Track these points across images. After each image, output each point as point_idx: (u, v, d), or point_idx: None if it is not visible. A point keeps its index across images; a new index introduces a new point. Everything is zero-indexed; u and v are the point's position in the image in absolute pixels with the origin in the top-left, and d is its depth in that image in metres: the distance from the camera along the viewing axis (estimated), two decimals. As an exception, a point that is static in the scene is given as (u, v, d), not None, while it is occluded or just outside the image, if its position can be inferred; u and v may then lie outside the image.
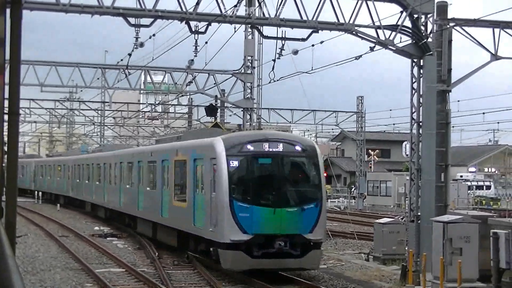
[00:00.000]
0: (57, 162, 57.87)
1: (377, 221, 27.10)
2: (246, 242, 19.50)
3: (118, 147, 48.62)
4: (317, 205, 20.37)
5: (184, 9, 21.21)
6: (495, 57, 23.43)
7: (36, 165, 66.69)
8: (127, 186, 32.64)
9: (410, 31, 21.64)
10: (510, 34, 23.48)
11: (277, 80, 27.29)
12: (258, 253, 19.55)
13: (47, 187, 60.87)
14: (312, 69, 26.53)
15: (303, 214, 20.00)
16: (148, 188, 28.70)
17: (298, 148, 20.69)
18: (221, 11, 21.39)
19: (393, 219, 28.86)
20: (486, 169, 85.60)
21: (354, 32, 21.56)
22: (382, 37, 21.60)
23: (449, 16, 22.36)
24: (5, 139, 9.05)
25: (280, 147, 20.36)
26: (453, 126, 38.10)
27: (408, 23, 21.75)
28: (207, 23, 21.81)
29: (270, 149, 20.25)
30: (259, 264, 19.70)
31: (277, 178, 20.29)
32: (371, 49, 21.81)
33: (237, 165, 20.13)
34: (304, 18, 21.53)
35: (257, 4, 23.04)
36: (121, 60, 35.30)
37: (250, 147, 20.20)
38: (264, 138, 20.55)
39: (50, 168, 60.29)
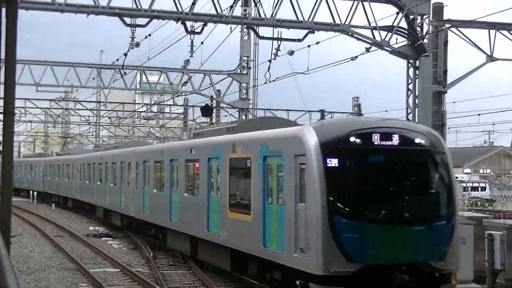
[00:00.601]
0: (68, 161, 51.71)
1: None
2: (353, 275, 13.84)
3: (139, 143, 40.06)
4: (449, 220, 14.79)
5: (180, 9, 21.23)
6: (490, 58, 23.47)
7: (45, 164, 60.89)
8: (154, 190, 26.88)
9: (406, 32, 21.67)
10: (505, 36, 23.52)
11: (273, 81, 27.26)
12: None
13: (56, 188, 55.79)
14: (308, 70, 26.59)
15: (432, 233, 14.48)
16: (186, 194, 22.91)
17: (419, 140, 15.05)
18: (217, 11, 21.40)
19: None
20: (481, 171, 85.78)
21: (350, 33, 21.59)
22: (378, 38, 21.64)
23: (445, 17, 22.41)
24: (0, 138, 9.02)
25: (396, 139, 14.74)
26: (448, 127, 38.10)
27: (404, 24, 21.80)
28: (203, 23, 21.82)
29: (383, 142, 14.65)
30: None
31: (394, 183, 14.69)
32: (367, 50, 21.85)
33: (337, 165, 14.33)
34: (300, 18, 21.55)
35: (253, 4, 23.05)
36: (117, 60, 35.31)
37: (354, 139, 14.54)
38: (372, 127, 14.90)
39: (58, 168, 54.89)
